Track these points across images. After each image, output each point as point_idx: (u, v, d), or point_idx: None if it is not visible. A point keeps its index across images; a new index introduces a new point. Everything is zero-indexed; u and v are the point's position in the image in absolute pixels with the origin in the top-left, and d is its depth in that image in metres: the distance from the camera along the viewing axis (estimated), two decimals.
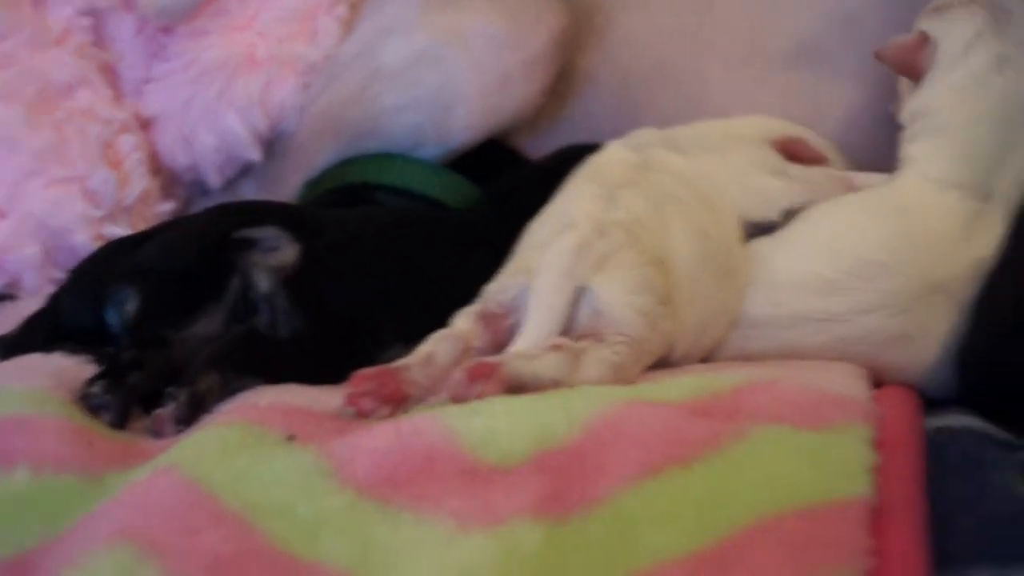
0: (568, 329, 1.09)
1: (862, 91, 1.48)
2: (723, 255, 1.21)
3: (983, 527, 0.86)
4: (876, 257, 1.19)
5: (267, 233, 1.17)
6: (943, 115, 1.28)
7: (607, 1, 1.63)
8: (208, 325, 1.14)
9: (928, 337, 1.16)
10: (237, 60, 1.52)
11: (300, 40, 1.55)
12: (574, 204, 1.18)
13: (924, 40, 1.33)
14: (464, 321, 1.10)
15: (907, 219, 1.20)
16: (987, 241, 1.18)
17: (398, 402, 1.02)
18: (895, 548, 0.81)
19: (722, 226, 1.23)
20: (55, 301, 1.25)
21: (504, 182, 1.40)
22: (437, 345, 1.09)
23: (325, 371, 1.09)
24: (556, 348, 1.05)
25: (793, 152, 1.36)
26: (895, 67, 1.36)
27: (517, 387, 1.01)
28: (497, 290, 1.11)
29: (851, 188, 1.34)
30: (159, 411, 1.03)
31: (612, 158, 1.24)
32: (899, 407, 1.02)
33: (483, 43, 1.51)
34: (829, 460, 0.88)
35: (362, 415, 1.01)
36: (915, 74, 1.33)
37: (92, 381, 1.06)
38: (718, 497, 0.84)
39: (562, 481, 0.87)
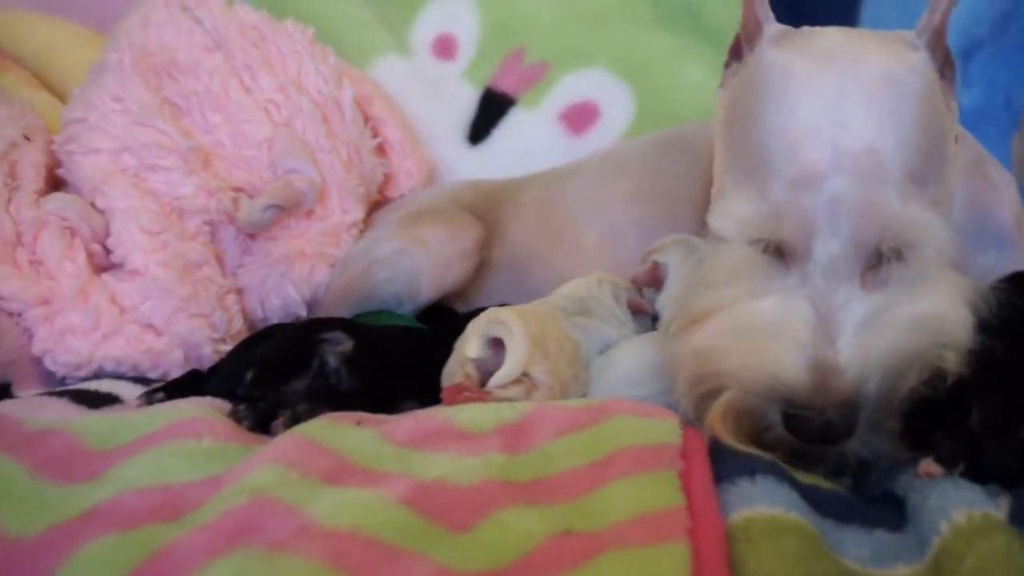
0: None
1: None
2: (570, 351, 1.26)
3: (742, 464, 0.95)
4: (655, 366, 1.23)
5: (335, 334, 1.25)
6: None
7: (503, 216, 1.70)
8: (299, 384, 1.21)
9: None
10: (294, 255, 1.58)
11: (330, 245, 1.62)
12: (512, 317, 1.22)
13: (657, 266, 1.38)
14: (471, 368, 1.19)
15: None
16: None
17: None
18: (694, 465, 0.93)
19: (566, 339, 1.27)
20: (209, 373, 1.30)
21: (445, 324, 1.44)
22: (467, 369, 1.18)
23: (368, 410, 1.14)
24: (518, 382, 1.16)
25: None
26: (647, 283, 1.40)
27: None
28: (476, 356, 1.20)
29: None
30: (274, 423, 1.11)
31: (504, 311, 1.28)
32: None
33: (434, 243, 1.58)
34: (657, 428, 0.99)
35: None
36: (658, 284, 1.38)
37: (238, 405, 1.15)
38: (596, 441, 0.96)
39: (512, 439, 0.98)
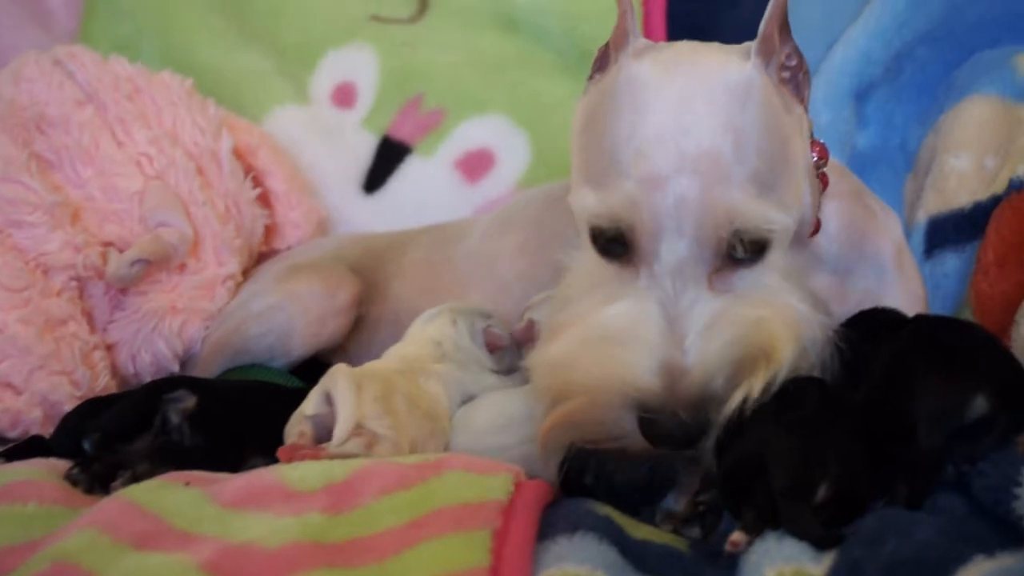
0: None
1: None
2: (426, 405, 1.26)
3: (569, 520, 0.95)
4: (520, 413, 1.22)
5: (178, 393, 1.22)
6: None
7: (387, 274, 1.68)
8: (142, 443, 1.19)
9: None
10: (165, 309, 1.57)
11: (204, 299, 1.60)
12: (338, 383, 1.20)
13: (532, 323, 1.36)
14: (307, 426, 1.17)
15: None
16: None
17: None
18: (515, 524, 0.92)
19: (421, 394, 1.27)
20: (55, 434, 1.28)
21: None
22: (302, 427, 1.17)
23: (210, 467, 1.12)
24: (358, 434, 1.14)
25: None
26: (524, 340, 1.38)
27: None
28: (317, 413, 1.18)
29: None
30: (114, 483, 1.10)
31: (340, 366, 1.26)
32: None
33: (309, 298, 1.59)
34: (486, 484, 0.98)
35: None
36: (533, 342, 1.32)
37: (72, 468, 1.12)
38: (420, 500, 0.95)
39: (338, 498, 0.97)
